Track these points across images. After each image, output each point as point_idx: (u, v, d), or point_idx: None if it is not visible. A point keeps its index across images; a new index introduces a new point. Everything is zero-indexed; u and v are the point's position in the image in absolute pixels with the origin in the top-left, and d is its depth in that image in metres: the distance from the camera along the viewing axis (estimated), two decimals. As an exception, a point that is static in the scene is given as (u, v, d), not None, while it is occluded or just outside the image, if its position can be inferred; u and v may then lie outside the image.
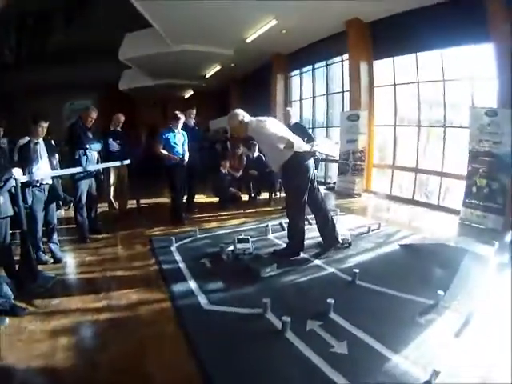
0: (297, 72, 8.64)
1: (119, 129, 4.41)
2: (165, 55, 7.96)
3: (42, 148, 2.80)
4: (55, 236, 2.97)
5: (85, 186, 3.46)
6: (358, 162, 6.34)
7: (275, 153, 2.85)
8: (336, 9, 5.54)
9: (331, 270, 2.65)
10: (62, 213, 4.64)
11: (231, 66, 9.39)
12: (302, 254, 2.96)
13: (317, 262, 2.83)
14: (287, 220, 3.08)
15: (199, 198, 5.63)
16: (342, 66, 7.01)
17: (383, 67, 6.15)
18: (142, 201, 5.23)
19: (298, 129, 4.63)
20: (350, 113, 6.39)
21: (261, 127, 2.86)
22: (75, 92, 11.29)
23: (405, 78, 5.80)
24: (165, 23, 6.47)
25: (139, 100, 13.06)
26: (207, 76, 10.35)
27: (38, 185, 2.72)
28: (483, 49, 4.53)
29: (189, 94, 13.72)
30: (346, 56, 6.72)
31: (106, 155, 3.99)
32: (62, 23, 8.07)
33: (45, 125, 2.75)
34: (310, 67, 8.08)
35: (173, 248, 3.17)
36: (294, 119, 4.77)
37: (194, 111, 4.76)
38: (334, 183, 7.12)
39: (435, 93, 5.41)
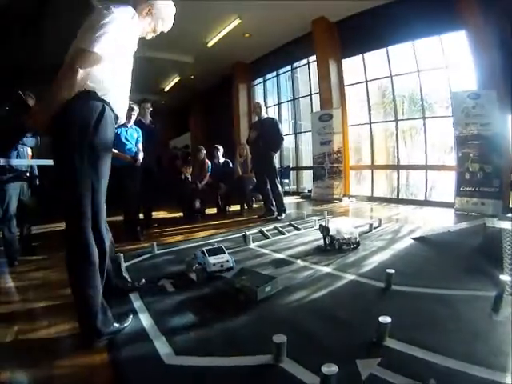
0: (260, 80, 8.28)
1: None
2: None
3: None
4: None
5: (14, 191, 2.57)
6: (335, 164, 5.89)
7: None
8: (301, 8, 5.28)
9: (350, 277, 1.90)
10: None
11: (191, 78, 8.83)
12: (299, 262, 2.23)
13: (325, 268, 2.08)
14: None
15: (160, 214, 4.71)
16: (309, 68, 6.75)
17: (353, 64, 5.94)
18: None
19: (269, 125, 4.04)
20: (321, 113, 6.00)
21: None
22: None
23: (376, 74, 5.62)
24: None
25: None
26: (166, 89, 9.64)
27: None
28: (454, 36, 4.44)
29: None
30: (312, 58, 6.50)
31: None
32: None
33: None
34: (274, 73, 7.77)
35: (122, 268, 2.24)
36: (265, 114, 4.22)
37: (149, 105, 3.94)
38: (309, 191, 6.59)
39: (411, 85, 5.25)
